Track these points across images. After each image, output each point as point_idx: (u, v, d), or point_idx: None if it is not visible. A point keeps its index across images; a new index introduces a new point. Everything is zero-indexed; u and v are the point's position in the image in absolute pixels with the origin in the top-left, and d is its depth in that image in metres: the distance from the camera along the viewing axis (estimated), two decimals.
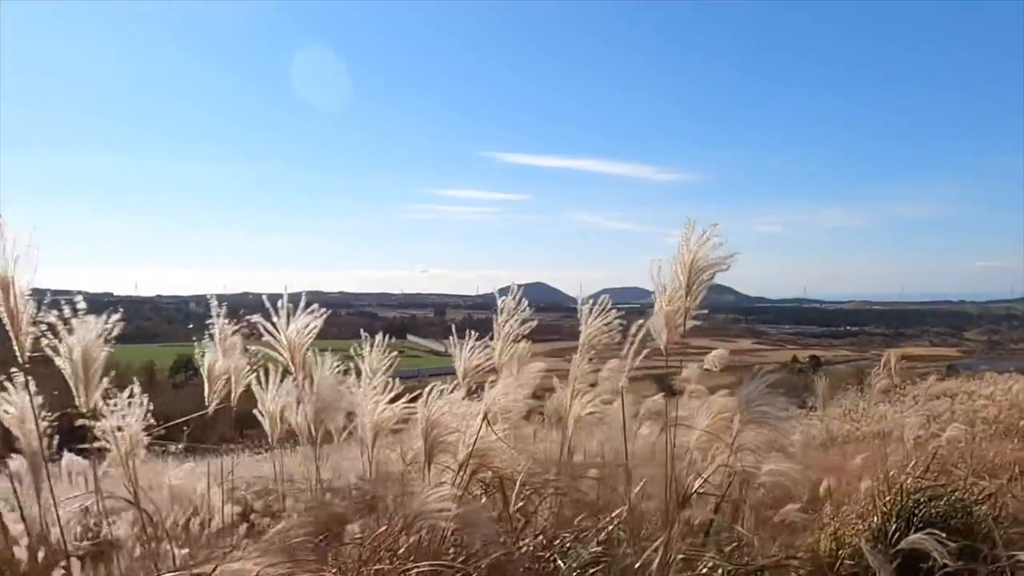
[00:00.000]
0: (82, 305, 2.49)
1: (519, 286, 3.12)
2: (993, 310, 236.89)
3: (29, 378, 2.48)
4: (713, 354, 5.34)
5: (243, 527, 4.74)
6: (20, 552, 2.59)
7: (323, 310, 3.05)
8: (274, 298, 2.84)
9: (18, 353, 2.34)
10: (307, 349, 2.99)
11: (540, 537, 2.74)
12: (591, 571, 2.50)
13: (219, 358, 3.22)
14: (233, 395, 3.30)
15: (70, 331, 2.45)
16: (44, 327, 2.36)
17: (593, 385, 3.29)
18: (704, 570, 2.52)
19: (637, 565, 2.38)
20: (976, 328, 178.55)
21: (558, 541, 2.71)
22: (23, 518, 2.62)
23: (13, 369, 2.43)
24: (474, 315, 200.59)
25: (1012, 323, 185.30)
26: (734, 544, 2.95)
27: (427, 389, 2.67)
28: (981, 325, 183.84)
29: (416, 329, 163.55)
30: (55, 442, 2.75)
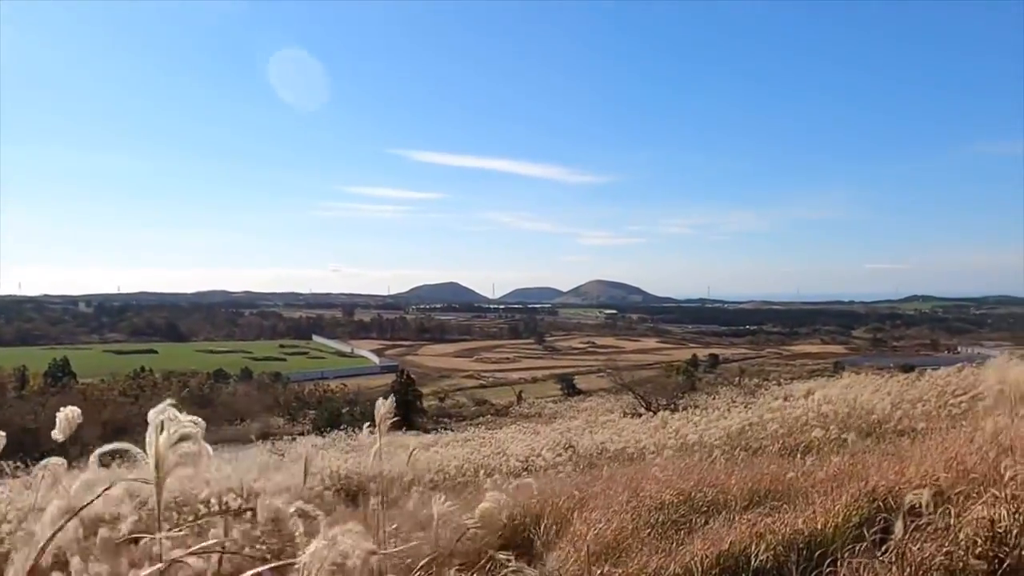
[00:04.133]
0: None
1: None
2: (879, 310, 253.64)
3: None
4: None
5: None
6: None
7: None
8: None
9: None
10: None
11: None
12: None
13: None
14: None
15: None
16: None
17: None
18: None
19: None
20: (863, 327, 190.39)
21: None
22: None
23: None
24: (384, 315, 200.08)
25: (895, 322, 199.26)
26: None
27: None
28: (868, 324, 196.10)
29: (323, 329, 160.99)
30: None
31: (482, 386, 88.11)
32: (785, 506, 4.68)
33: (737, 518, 4.46)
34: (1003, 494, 3.04)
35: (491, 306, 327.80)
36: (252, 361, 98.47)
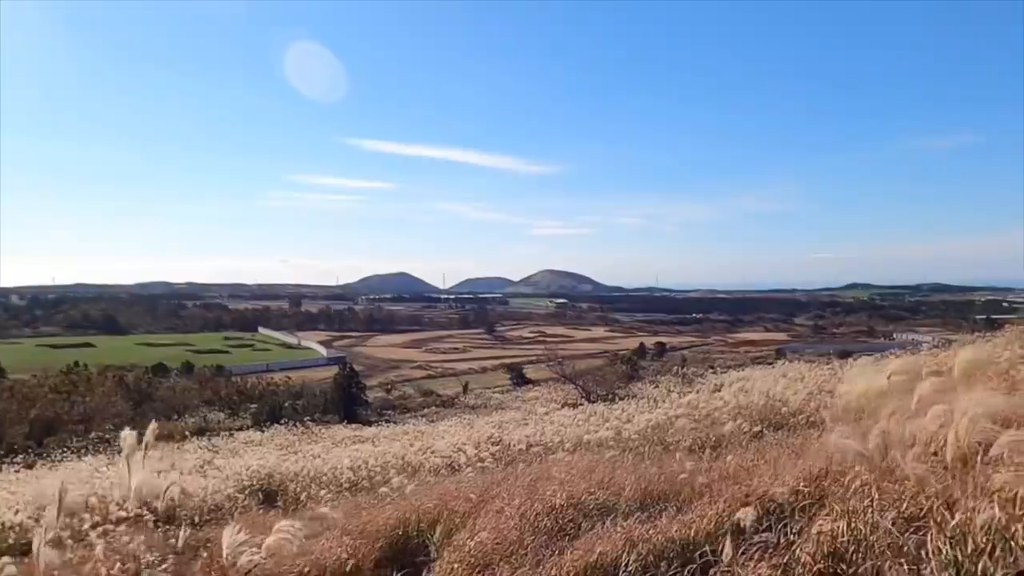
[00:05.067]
0: None
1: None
2: (820, 298, 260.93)
3: None
4: None
5: None
6: None
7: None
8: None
9: None
10: None
11: None
12: None
13: None
14: None
15: None
16: None
17: None
18: None
19: None
20: (805, 314, 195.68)
21: None
22: None
23: None
24: (333, 306, 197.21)
25: (835, 309, 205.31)
26: None
27: None
28: (810, 311, 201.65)
29: (269, 321, 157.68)
30: None
31: (431, 377, 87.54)
32: (670, 509, 4.60)
33: (617, 524, 4.35)
34: (847, 507, 2.96)
35: (442, 296, 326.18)
36: (195, 354, 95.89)
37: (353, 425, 38.00)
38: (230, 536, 3.18)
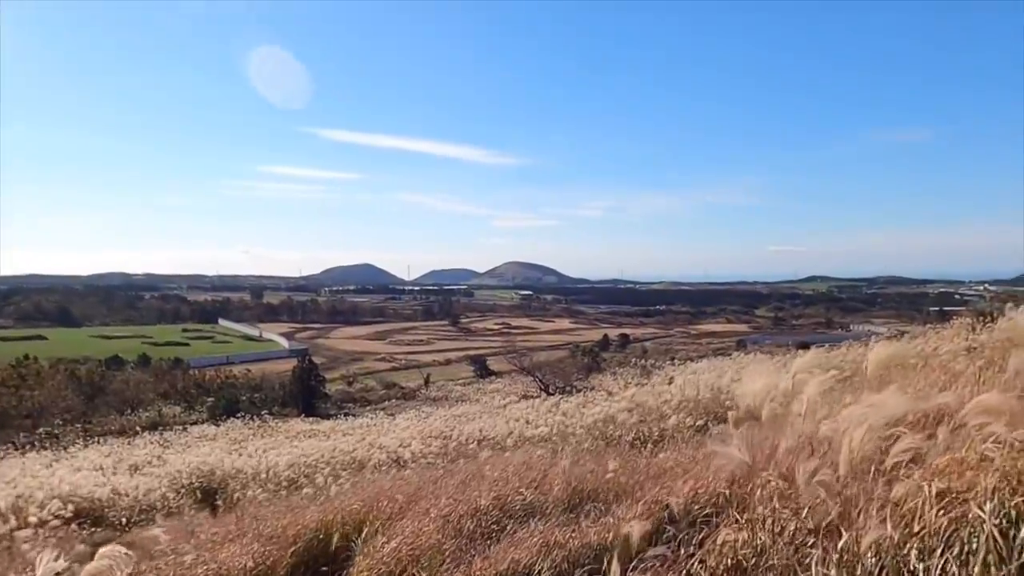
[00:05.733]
0: None
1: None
2: (781, 290, 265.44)
3: None
4: None
5: None
6: None
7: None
8: None
9: None
10: None
11: None
12: None
13: None
14: None
15: None
16: None
17: None
18: None
19: None
20: (765, 306, 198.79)
21: None
22: None
23: None
24: (295, 297, 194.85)
25: (795, 301, 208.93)
26: None
27: None
28: (770, 303, 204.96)
29: (229, 313, 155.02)
30: None
31: (394, 369, 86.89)
32: (595, 511, 4.42)
33: (537, 528, 4.15)
34: (754, 516, 2.80)
35: (406, 288, 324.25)
36: (152, 346, 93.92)
37: (311, 419, 37.47)
38: (45, 563, 2.85)
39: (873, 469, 2.57)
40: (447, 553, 4.25)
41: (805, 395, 3.24)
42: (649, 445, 7.50)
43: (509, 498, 4.95)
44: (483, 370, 72.07)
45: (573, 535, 3.78)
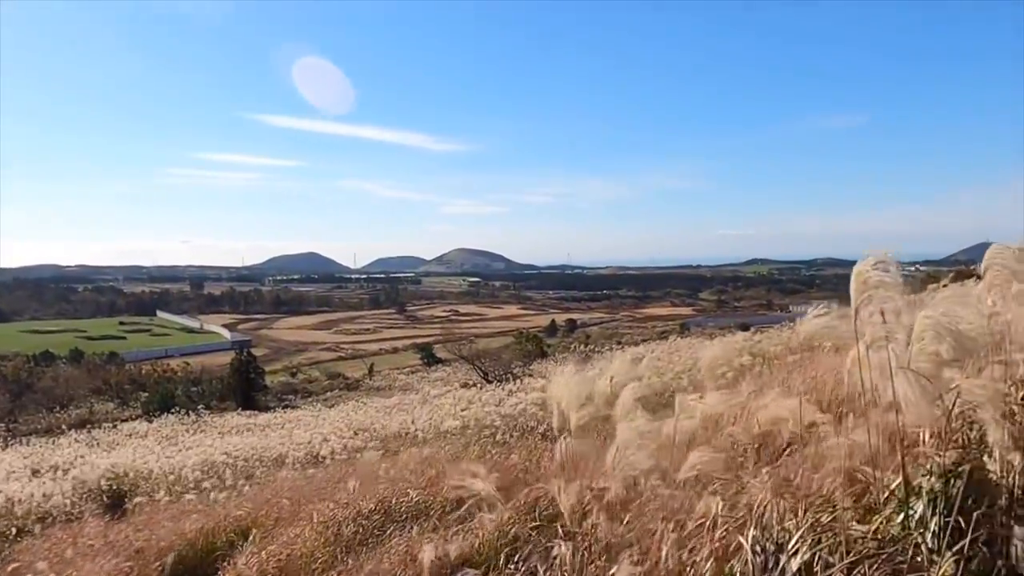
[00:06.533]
0: None
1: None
2: (723, 273, 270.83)
3: None
4: None
5: None
6: None
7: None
8: None
9: None
10: None
11: None
12: None
13: None
14: None
15: None
16: None
17: None
18: None
19: None
20: (709, 289, 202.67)
21: None
22: None
23: None
24: (237, 288, 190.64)
25: (737, 284, 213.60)
26: None
27: None
28: (713, 286, 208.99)
29: (168, 305, 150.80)
30: None
31: (341, 359, 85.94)
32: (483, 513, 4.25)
33: (411, 534, 3.96)
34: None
35: (352, 276, 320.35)
36: (86, 341, 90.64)
37: (248, 412, 36.61)
38: None
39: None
40: (319, 562, 4.04)
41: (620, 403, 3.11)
42: (563, 437, 7.35)
43: (395, 500, 4.74)
44: (430, 358, 71.58)
45: (443, 542, 3.59)
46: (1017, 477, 1.95)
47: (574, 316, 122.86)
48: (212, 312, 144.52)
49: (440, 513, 4.54)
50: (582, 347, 45.31)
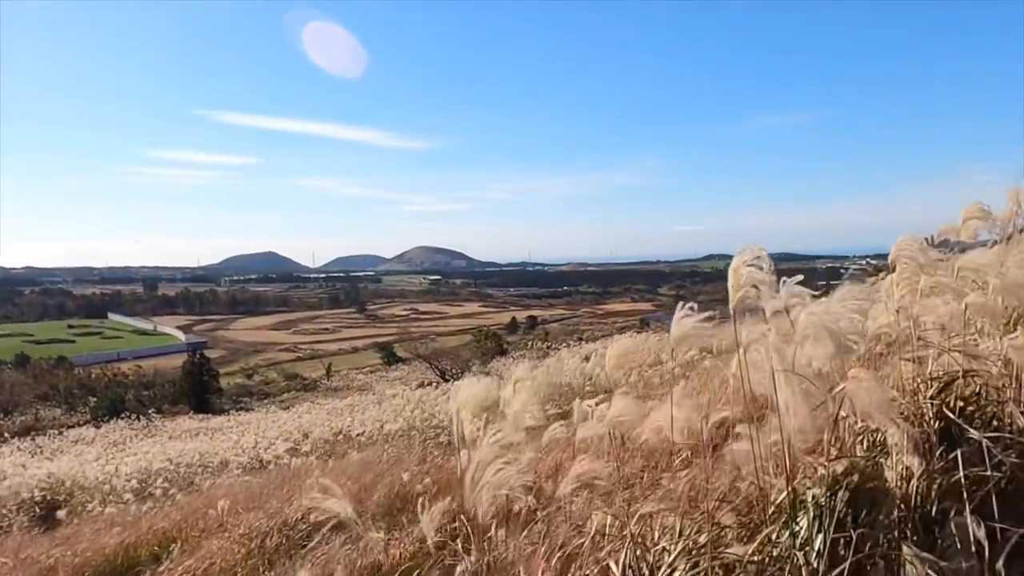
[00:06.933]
0: None
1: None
2: (682, 268, 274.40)
3: None
4: None
5: None
6: None
7: None
8: None
9: None
10: None
11: None
12: None
13: None
14: None
15: None
16: None
17: None
18: None
19: None
20: (668, 284, 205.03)
21: None
22: None
23: None
24: (192, 288, 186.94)
25: (695, 279, 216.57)
26: None
27: None
28: (672, 282, 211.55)
29: (120, 307, 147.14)
30: None
31: (299, 359, 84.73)
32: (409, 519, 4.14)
33: (333, 544, 3.83)
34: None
35: (311, 275, 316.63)
36: (33, 345, 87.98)
37: (201, 416, 35.87)
38: None
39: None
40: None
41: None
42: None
43: (290, 517, 4.57)
44: (391, 357, 71.01)
45: (359, 554, 3.47)
46: (916, 484, 1.90)
47: (535, 313, 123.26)
48: (166, 314, 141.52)
49: (369, 521, 4.41)
50: (542, 344, 45.37)
